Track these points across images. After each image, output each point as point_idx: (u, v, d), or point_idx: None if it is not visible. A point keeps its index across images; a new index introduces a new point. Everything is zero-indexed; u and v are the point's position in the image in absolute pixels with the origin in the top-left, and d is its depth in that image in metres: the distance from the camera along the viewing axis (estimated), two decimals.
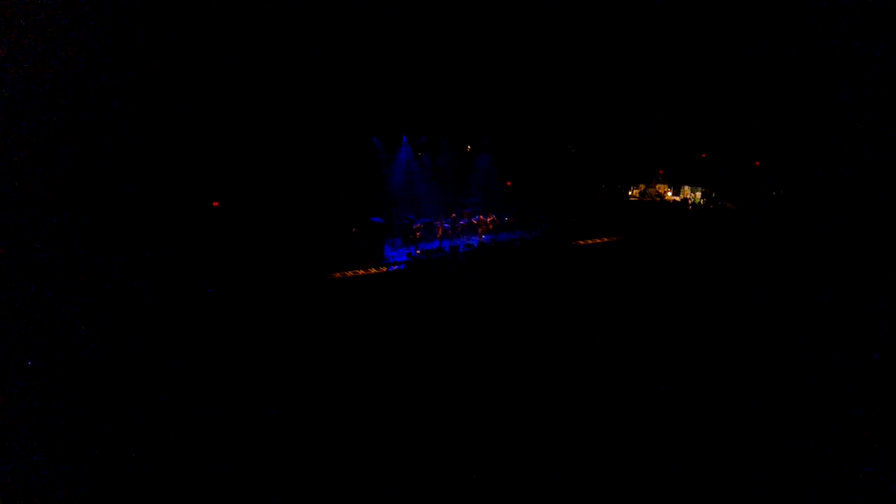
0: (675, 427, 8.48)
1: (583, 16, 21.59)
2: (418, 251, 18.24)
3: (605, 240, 21.01)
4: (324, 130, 18.51)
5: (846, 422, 8.50)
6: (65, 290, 12.89)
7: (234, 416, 8.77)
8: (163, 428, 8.44)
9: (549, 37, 21.55)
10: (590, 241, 20.66)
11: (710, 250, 19.17)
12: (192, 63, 15.92)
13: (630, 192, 26.79)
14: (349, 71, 18.63)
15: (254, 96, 16.93)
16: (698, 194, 26.29)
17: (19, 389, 9.08)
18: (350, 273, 16.24)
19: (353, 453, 7.85)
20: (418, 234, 19.42)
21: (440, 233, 19.96)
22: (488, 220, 21.08)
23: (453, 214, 20.71)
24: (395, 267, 16.94)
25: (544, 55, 21.93)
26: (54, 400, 9.02)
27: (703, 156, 26.75)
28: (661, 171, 27.11)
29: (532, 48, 21.55)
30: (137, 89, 15.30)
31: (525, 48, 21.40)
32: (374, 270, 16.62)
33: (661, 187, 26.95)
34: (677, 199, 26.57)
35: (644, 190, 26.93)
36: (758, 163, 26.06)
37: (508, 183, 22.67)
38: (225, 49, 16.34)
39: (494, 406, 9.14)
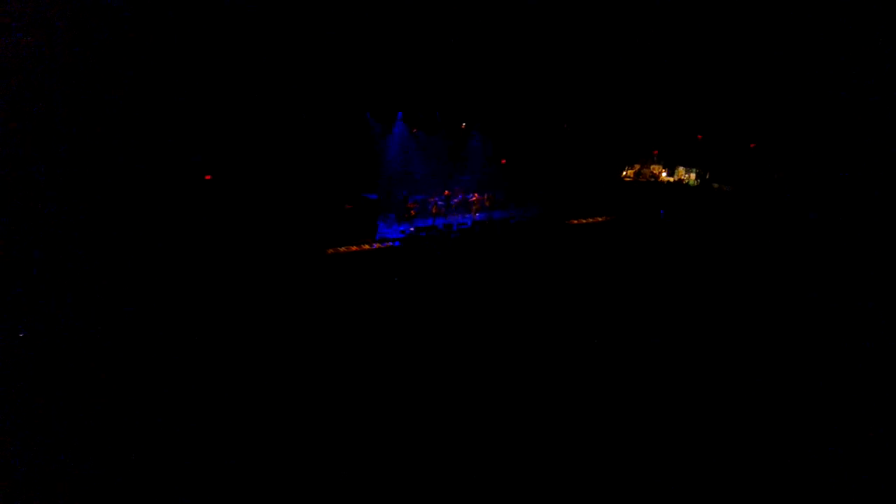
0: (669, 410, 8.57)
1: None
2: (412, 228, 18.21)
3: (599, 219, 21.05)
4: (318, 106, 18.29)
5: (842, 412, 8.55)
6: (62, 263, 12.83)
7: (229, 390, 8.84)
8: (162, 397, 8.51)
9: (544, 14, 21.25)
10: (583, 221, 20.69)
11: (703, 231, 19.26)
12: (185, 37, 15.61)
13: (625, 173, 26.73)
14: (344, 46, 18.33)
15: (248, 71, 16.67)
16: (693, 175, 26.28)
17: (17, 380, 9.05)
18: (343, 249, 16.24)
19: (347, 430, 7.93)
20: (413, 211, 19.39)
21: (434, 210, 19.92)
22: (483, 197, 21.04)
23: (447, 192, 20.64)
24: (389, 244, 16.94)
25: (540, 33, 21.64)
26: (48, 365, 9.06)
27: (699, 137, 26.65)
28: (655, 152, 27.03)
29: (528, 26, 21.24)
30: (130, 62, 15.02)
31: (521, 26, 21.10)
32: (367, 247, 16.62)
33: (655, 168, 26.90)
34: (671, 179, 26.56)
35: (639, 170, 26.87)
36: (753, 145, 26.01)
37: (503, 161, 22.55)
38: (219, 23, 16.02)
39: (487, 387, 9.21)
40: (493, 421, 8.09)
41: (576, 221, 20.56)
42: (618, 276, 14.81)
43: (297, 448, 7.44)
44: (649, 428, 7.94)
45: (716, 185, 25.57)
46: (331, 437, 7.67)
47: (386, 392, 8.87)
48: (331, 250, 16.03)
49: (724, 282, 14.13)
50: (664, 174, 26.76)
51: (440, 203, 20.20)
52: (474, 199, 20.83)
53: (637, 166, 26.82)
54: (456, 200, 20.69)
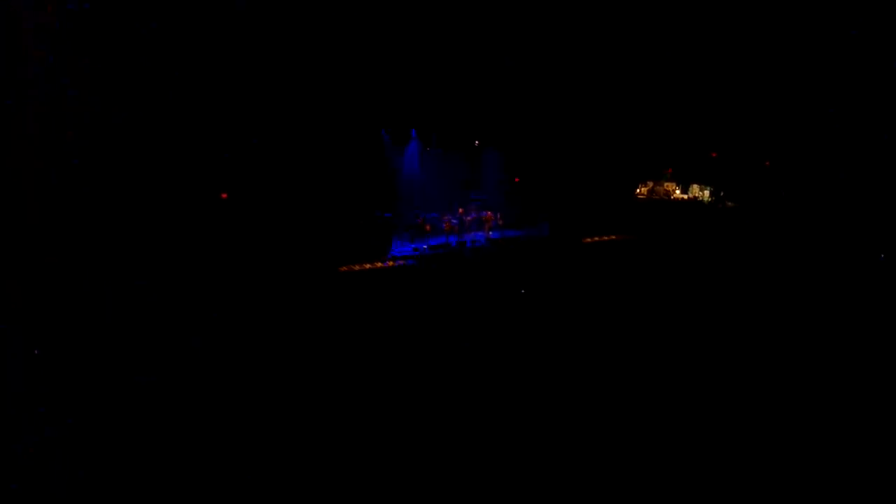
0: (682, 429, 8.41)
1: (592, 12, 21.36)
2: (426, 246, 18.19)
3: (613, 238, 20.90)
4: (333, 124, 18.41)
5: (849, 423, 8.39)
6: (73, 281, 12.90)
7: (237, 409, 8.78)
8: (169, 417, 8.48)
9: (558, 33, 21.34)
10: (597, 239, 20.55)
11: (717, 249, 19.08)
12: (199, 52, 15.81)
13: (638, 190, 26.61)
14: (359, 64, 18.49)
15: (263, 88, 16.83)
16: (707, 193, 26.09)
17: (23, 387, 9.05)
18: (357, 267, 16.22)
19: (356, 448, 7.84)
20: (428, 227, 19.40)
21: (447, 228, 19.90)
22: (497, 215, 21.02)
23: (461, 210, 20.63)
24: (402, 262, 16.91)
25: (554, 52, 21.73)
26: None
27: (714, 154, 26.51)
28: (669, 170, 26.91)
29: (542, 45, 21.35)
30: (144, 77, 15.19)
31: (535, 45, 21.21)
32: (380, 265, 16.59)
33: (669, 185, 26.75)
34: (685, 197, 26.39)
35: (652, 188, 26.74)
36: (768, 162, 25.83)
37: (517, 179, 22.54)
38: (233, 39, 16.22)
39: (498, 404, 9.09)
40: (504, 440, 7.95)
41: (589, 240, 20.42)
42: (633, 294, 14.64)
43: (305, 470, 7.34)
44: (666, 452, 7.77)
45: (729, 204, 25.36)
46: (340, 455, 7.57)
47: (396, 409, 8.77)
48: (344, 268, 16.02)
49: (740, 301, 13.91)
50: (678, 192, 26.59)
51: (454, 221, 20.18)
52: (488, 216, 20.80)
53: (650, 184, 26.68)
54: (469, 218, 20.67)
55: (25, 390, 8.87)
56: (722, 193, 25.70)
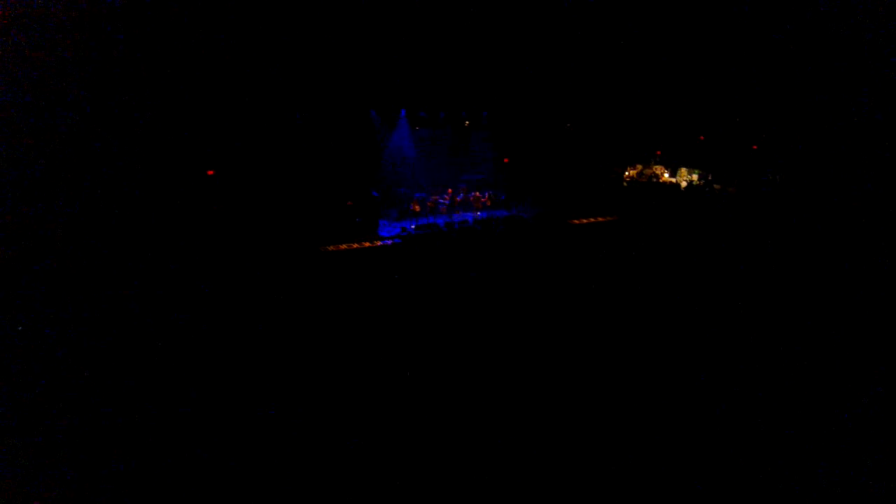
0: (670, 412, 8.52)
1: None
2: (413, 226, 18.21)
3: (601, 219, 21.03)
4: (322, 103, 18.27)
5: (843, 416, 8.49)
6: (59, 253, 12.85)
7: (224, 387, 8.84)
8: (153, 394, 8.53)
9: (548, 13, 21.18)
10: (584, 221, 20.67)
11: (702, 232, 19.26)
12: (187, 31, 15.58)
13: (627, 173, 26.72)
14: (348, 43, 18.29)
15: (252, 67, 16.63)
16: (695, 176, 26.28)
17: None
18: (344, 246, 16.24)
19: (343, 426, 7.94)
20: (417, 208, 19.39)
21: (435, 206, 19.92)
22: (484, 196, 21.03)
23: (450, 190, 20.63)
24: (390, 241, 16.94)
25: (544, 32, 21.59)
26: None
27: (702, 138, 26.65)
28: (658, 153, 27.02)
29: (532, 25, 21.19)
30: (131, 54, 14.99)
31: (525, 25, 21.05)
32: (368, 244, 16.61)
33: (657, 168, 26.89)
34: (674, 180, 26.56)
35: (641, 171, 26.87)
36: (755, 146, 26.01)
37: (506, 160, 22.53)
38: (222, 19, 15.98)
39: (486, 386, 9.19)
40: (490, 423, 8.08)
41: (577, 221, 20.54)
42: (617, 276, 14.78)
43: (291, 450, 7.41)
44: (651, 431, 7.93)
45: (717, 187, 25.57)
46: (327, 438, 7.65)
47: (384, 391, 8.87)
48: (332, 247, 16.03)
49: (726, 284, 14.09)
50: (666, 175, 26.74)
51: (442, 201, 20.19)
52: (476, 197, 20.82)
53: (639, 167, 26.81)
54: (458, 198, 20.68)
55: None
56: (709, 177, 25.90)
